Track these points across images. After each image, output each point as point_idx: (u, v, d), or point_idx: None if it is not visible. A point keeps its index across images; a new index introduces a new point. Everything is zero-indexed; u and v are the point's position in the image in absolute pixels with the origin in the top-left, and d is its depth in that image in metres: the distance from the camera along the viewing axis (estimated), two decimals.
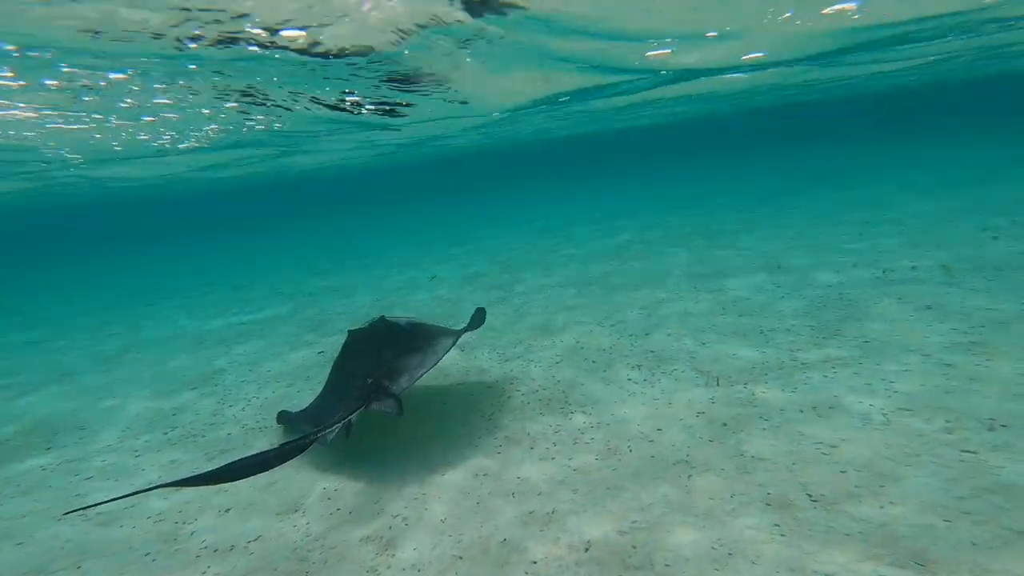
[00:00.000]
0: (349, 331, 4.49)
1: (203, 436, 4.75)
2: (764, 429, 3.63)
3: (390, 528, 3.18)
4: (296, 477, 3.90)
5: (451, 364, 5.66)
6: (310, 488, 3.74)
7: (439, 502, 3.36)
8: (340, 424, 3.33)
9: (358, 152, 22.56)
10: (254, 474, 2.79)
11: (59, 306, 13.13)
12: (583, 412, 4.22)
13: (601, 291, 7.53)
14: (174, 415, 5.32)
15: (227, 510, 3.56)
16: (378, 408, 3.50)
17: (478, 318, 4.78)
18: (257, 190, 41.18)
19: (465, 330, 4.49)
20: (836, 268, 6.85)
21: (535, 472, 3.52)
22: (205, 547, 3.17)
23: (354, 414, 3.43)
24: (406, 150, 24.49)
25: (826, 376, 4.21)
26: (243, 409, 5.21)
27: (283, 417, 4.53)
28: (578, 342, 5.73)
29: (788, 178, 18.04)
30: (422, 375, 3.83)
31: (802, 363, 4.48)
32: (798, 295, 6.10)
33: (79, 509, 2.68)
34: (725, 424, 3.76)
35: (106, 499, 3.11)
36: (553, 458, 3.65)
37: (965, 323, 4.71)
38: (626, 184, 27.69)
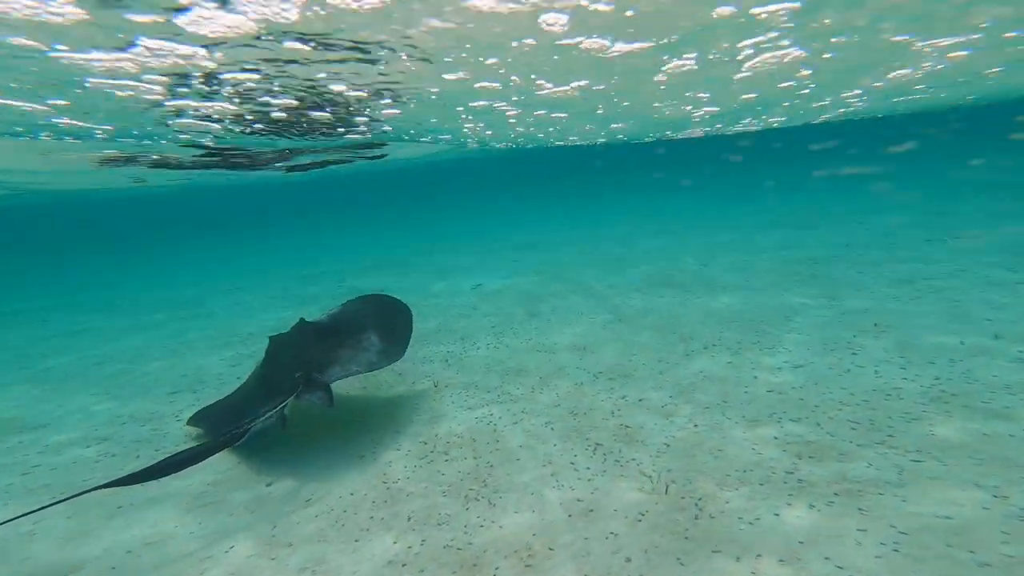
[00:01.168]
0: (270, 338, 4.41)
1: None
2: None
3: None
4: (144, 515, 3.48)
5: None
6: (126, 538, 3.29)
7: None
8: (273, 413, 3.39)
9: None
10: (187, 467, 2.93)
11: None
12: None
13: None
14: None
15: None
16: (308, 399, 3.49)
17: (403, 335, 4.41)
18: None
19: (401, 343, 4.22)
20: None
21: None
22: None
23: (285, 404, 3.46)
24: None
25: None
26: None
27: (196, 418, 4.43)
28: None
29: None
30: (356, 373, 3.81)
31: None
32: None
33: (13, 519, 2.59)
34: None
35: (25, 512, 2.88)
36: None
37: None
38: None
